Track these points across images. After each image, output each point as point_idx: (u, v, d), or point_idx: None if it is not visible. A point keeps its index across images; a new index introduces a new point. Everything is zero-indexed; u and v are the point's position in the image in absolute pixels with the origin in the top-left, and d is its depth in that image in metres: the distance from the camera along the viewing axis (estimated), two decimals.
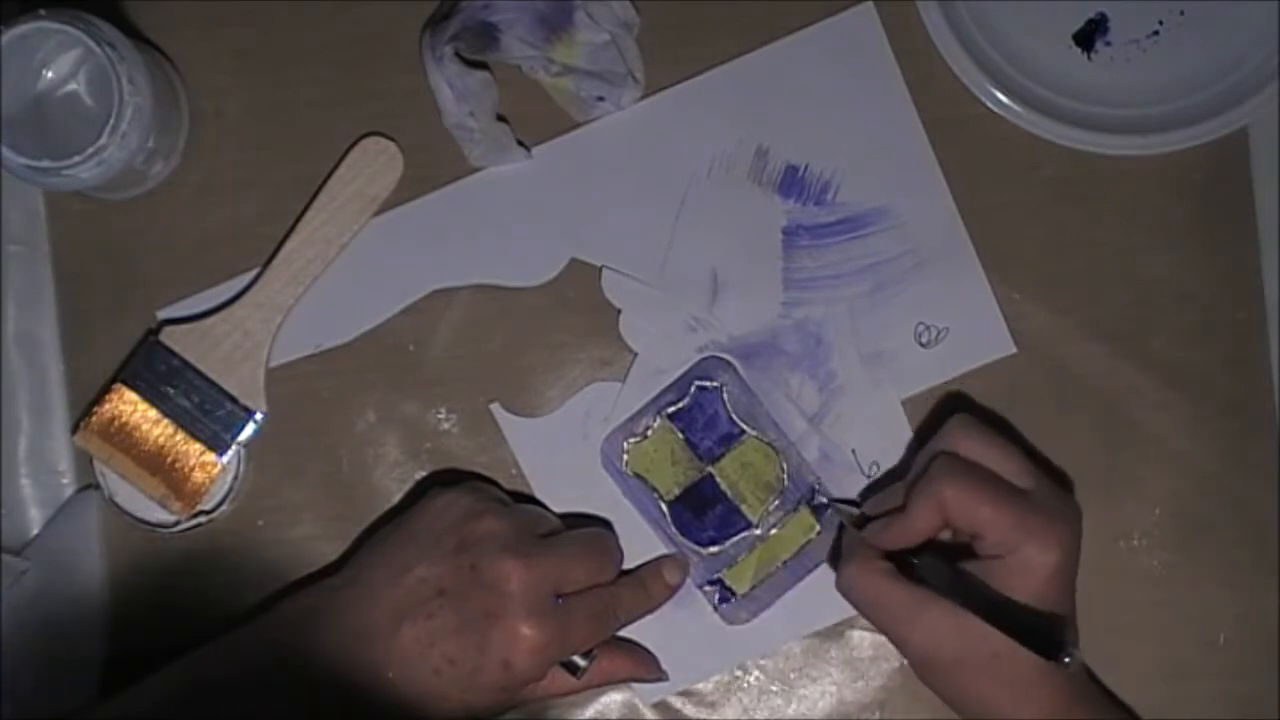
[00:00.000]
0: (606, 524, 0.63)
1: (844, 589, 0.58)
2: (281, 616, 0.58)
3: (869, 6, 0.64)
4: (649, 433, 0.63)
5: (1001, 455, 0.57)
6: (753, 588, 0.63)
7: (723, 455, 0.63)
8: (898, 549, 0.57)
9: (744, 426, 0.63)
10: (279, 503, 0.63)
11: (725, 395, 0.63)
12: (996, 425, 0.63)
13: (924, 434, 0.63)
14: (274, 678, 0.55)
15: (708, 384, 0.63)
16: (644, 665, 0.62)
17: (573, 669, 0.58)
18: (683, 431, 0.63)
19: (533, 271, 0.64)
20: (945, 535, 0.58)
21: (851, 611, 0.60)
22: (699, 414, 0.63)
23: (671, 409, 0.63)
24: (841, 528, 0.62)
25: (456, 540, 0.56)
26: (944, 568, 0.55)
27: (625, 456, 0.63)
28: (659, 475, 0.63)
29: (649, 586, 0.61)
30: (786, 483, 0.63)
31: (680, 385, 0.63)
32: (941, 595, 0.55)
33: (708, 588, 0.63)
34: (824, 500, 0.63)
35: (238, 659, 0.56)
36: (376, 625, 0.55)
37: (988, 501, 0.54)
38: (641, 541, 0.63)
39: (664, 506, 0.63)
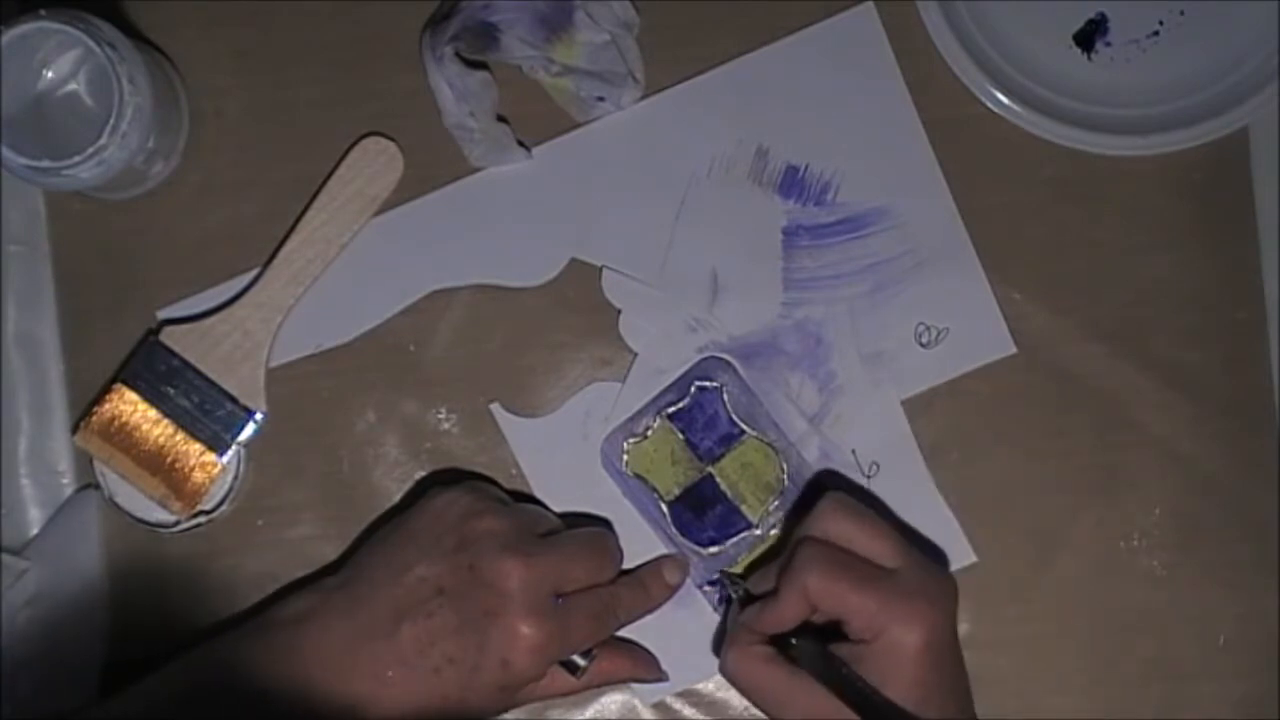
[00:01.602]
0: (606, 524, 0.63)
1: (726, 673, 0.57)
2: (281, 616, 0.57)
3: (869, 6, 0.64)
4: (649, 433, 0.63)
5: (869, 536, 0.56)
6: None
7: (723, 455, 0.63)
8: (773, 633, 0.56)
9: (744, 427, 0.63)
10: (279, 503, 0.63)
11: (725, 395, 0.63)
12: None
13: (922, 433, 0.63)
14: (274, 677, 0.55)
15: (708, 384, 0.63)
16: (644, 665, 0.62)
17: (572, 669, 0.58)
18: (683, 431, 0.63)
19: (533, 271, 0.64)
20: (819, 618, 0.57)
21: None
22: (699, 414, 0.63)
23: (671, 409, 0.63)
24: (729, 604, 0.61)
25: (456, 539, 0.56)
26: (820, 651, 0.55)
27: (625, 456, 0.63)
28: (659, 475, 0.63)
29: (649, 586, 0.61)
30: (786, 483, 0.63)
31: (680, 385, 0.63)
32: (817, 679, 0.54)
33: (708, 588, 0.63)
34: (715, 577, 0.62)
35: (238, 659, 0.56)
36: (376, 624, 0.55)
37: (851, 588, 0.54)
38: (641, 541, 0.63)
39: (664, 506, 0.63)
